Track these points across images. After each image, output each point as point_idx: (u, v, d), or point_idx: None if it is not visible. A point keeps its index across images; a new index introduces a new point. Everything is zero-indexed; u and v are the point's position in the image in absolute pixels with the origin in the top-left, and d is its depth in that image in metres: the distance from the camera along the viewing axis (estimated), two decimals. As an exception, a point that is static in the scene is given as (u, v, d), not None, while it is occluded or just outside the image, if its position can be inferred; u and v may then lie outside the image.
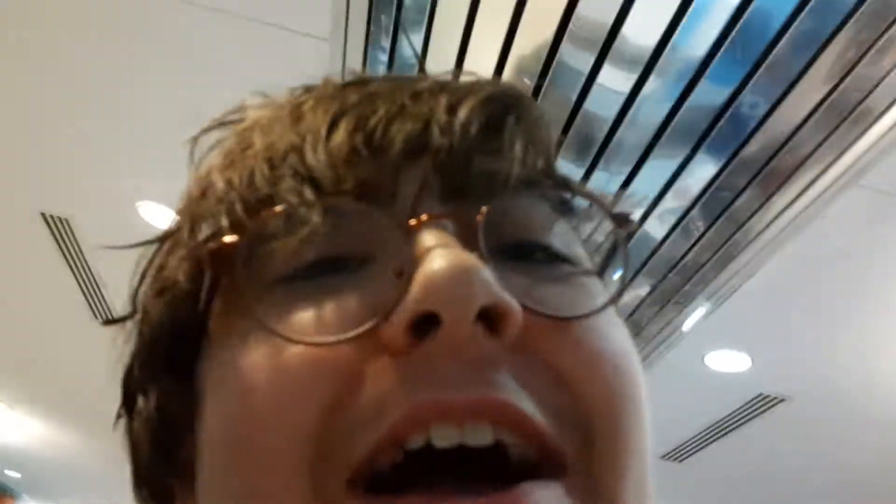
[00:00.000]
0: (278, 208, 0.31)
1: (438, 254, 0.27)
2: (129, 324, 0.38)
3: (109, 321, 0.37)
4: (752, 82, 1.60)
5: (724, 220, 2.02)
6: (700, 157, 1.81)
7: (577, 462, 0.29)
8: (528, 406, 0.28)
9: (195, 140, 0.38)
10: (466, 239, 0.29)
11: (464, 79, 0.37)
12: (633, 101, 1.68)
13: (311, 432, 0.27)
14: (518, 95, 0.36)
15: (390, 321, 0.27)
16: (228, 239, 0.31)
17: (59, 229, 2.73)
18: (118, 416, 0.38)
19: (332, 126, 0.33)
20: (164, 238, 0.37)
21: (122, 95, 2.07)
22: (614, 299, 0.33)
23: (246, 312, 0.30)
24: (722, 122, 1.69)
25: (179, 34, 1.86)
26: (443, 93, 0.34)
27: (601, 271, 0.36)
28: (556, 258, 0.34)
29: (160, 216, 2.52)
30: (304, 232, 0.30)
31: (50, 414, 4.80)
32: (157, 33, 1.87)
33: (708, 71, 1.59)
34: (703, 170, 1.86)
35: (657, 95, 1.66)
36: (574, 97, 1.71)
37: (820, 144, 1.73)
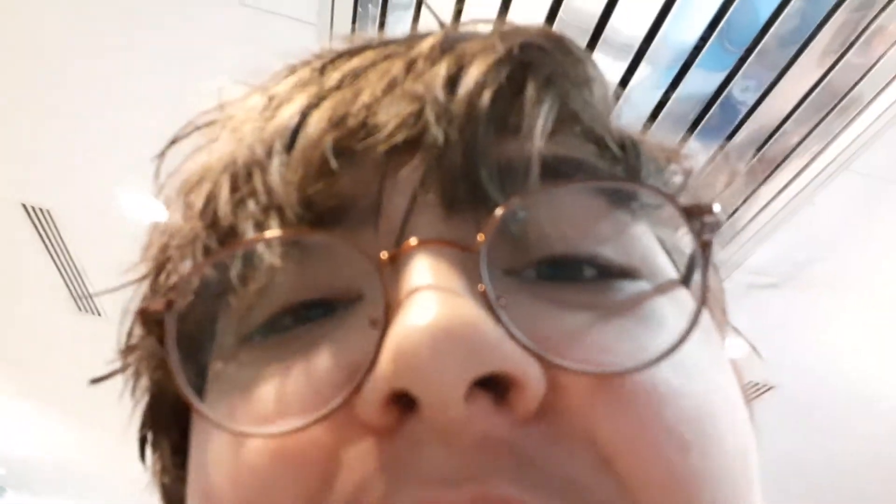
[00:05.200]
0: (226, 252, 0.24)
1: (415, 304, 0.20)
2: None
3: (97, 380, 0.30)
4: (742, 70, 1.59)
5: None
6: (691, 145, 1.80)
7: None
8: None
9: (164, 153, 0.30)
10: (472, 265, 0.22)
11: (487, 28, 0.28)
12: (623, 89, 1.67)
13: None
14: (547, 46, 0.27)
15: (362, 396, 0.21)
16: (156, 305, 0.24)
17: (41, 220, 2.69)
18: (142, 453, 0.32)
19: (301, 125, 0.25)
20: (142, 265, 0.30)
21: (103, 81, 2.03)
22: (686, 334, 0.23)
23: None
24: (713, 110, 1.68)
25: (161, 15, 1.83)
26: (447, 55, 0.26)
27: (685, 279, 0.27)
28: (613, 273, 0.25)
29: (142, 206, 2.49)
30: (262, 280, 0.24)
31: (35, 408, 4.76)
32: (139, 15, 1.83)
33: (698, 59, 1.58)
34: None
35: (648, 84, 1.65)
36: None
37: (810, 132, 1.73)
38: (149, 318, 0.25)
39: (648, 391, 0.22)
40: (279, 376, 0.23)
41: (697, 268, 0.25)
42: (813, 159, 1.79)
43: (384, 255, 0.22)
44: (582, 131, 0.26)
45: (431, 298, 0.20)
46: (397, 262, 0.22)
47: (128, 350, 0.29)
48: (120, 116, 2.14)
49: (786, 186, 1.88)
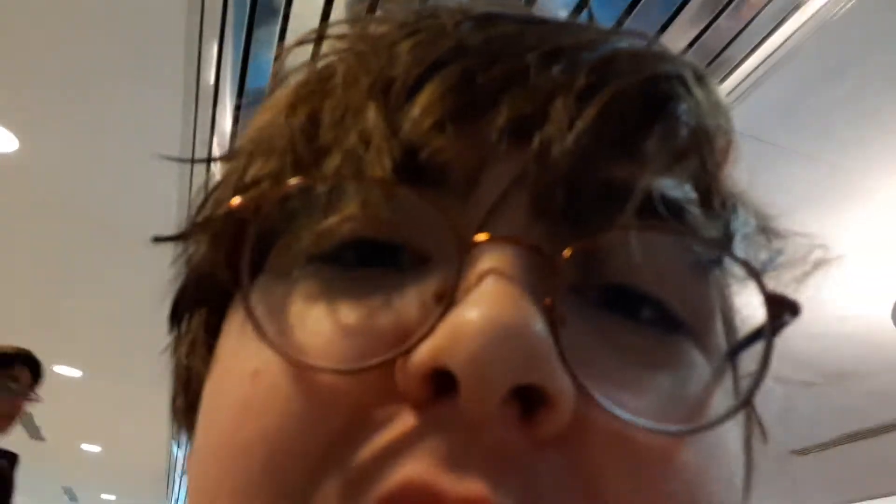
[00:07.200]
0: (322, 179, 0.25)
1: (485, 292, 0.21)
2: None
3: (159, 239, 0.31)
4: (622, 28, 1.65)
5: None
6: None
7: None
8: None
9: (285, 55, 0.31)
10: (545, 274, 0.22)
11: (630, 37, 0.27)
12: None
13: (301, 476, 0.22)
14: (690, 80, 0.26)
15: (408, 362, 0.21)
16: (243, 207, 0.25)
17: None
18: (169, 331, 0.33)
19: (425, 78, 0.25)
20: (228, 158, 0.31)
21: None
22: (734, 412, 0.24)
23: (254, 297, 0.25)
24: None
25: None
26: (586, 57, 0.25)
27: (733, 354, 0.27)
28: (672, 326, 0.25)
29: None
30: (346, 213, 0.24)
31: None
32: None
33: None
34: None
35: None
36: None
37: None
38: (231, 213, 0.25)
39: (674, 464, 0.22)
40: (333, 315, 0.23)
41: (750, 349, 0.26)
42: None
43: (479, 237, 0.22)
44: (694, 176, 0.25)
45: (504, 295, 0.21)
46: (480, 246, 0.22)
47: (197, 227, 0.30)
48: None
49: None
